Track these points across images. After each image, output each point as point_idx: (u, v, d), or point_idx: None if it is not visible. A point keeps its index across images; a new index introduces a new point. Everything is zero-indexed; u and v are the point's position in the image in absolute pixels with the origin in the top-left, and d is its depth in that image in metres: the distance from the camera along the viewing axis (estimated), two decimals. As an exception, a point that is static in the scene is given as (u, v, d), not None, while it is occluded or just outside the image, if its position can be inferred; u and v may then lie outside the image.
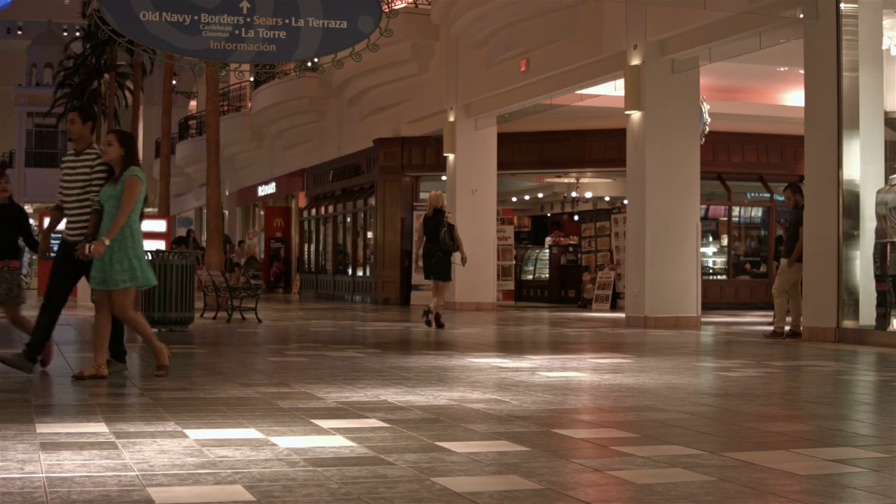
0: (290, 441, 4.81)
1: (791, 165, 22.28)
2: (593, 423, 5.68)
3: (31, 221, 45.09)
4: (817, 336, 11.85)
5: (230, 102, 35.52)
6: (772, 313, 13.30)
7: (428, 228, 14.51)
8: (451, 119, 21.55)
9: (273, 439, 4.85)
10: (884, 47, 12.16)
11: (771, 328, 12.81)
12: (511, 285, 23.68)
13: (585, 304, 22.14)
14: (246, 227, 38.69)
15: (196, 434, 4.96)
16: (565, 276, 24.44)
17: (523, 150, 23.16)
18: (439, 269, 14.40)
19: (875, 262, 11.61)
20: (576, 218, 27.47)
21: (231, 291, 15.94)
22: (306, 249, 31.33)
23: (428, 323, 14.11)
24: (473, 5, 18.83)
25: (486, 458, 4.44)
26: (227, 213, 37.76)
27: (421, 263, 14.72)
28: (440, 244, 14.33)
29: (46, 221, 8.22)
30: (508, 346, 11.69)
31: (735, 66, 17.10)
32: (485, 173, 21.64)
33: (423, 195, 24.75)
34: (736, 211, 22.52)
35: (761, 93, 20.60)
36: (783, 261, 12.73)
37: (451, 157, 21.73)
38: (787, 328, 12.53)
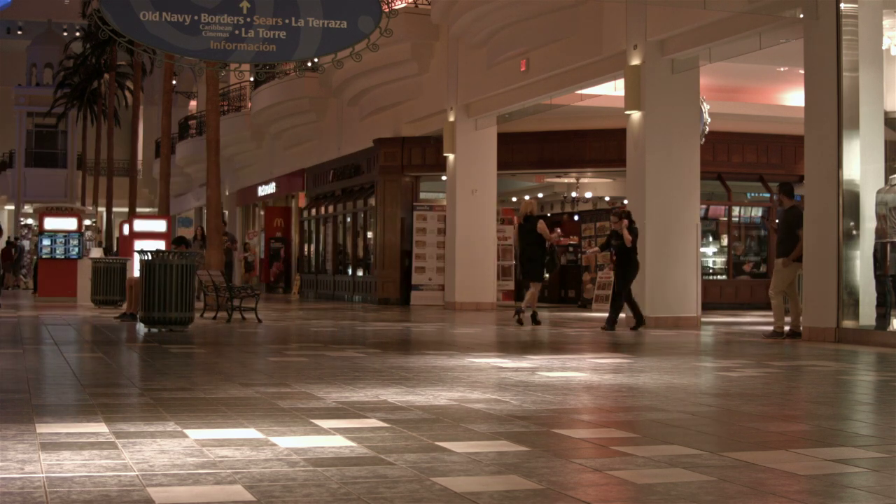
0: (290, 441, 4.81)
1: (791, 165, 22.27)
2: (593, 423, 5.68)
3: (30, 222, 44.96)
4: (817, 336, 11.85)
5: (230, 102, 35.52)
6: (772, 313, 13.29)
7: (521, 234, 15.72)
8: (451, 119, 21.54)
9: (273, 439, 4.85)
10: (884, 47, 12.15)
11: (771, 328, 12.81)
12: (511, 285, 23.67)
13: (585, 304, 22.13)
14: (246, 227, 38.70)
15: (196, 434, 4.96)
16: (565, 276, 24.44)
17: (523, 150, 23.16)
18: (531, 271, 15.66)
19: (875, 262, 11.61)
20: (576, 218, 27.46)
21: (231, 291, 15.94)
22: (306, 249, 31.34)
23: (520, 322, 15.16)
24: (473, 5, 18.83)
25: (486, 458, 4.44)
26: (227, 212, 37.77)
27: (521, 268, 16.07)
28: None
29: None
30: (508, 346, 11.69)
31: (735, 66, 17.10)
32: (485, 173, 21.65)
33: (423, 195, 24.78)
34: (736, 211, 22.52)
35: (761, 93, 20.60)
36: (778, 261, 12.75)
37: (451, 157, 21.73)
38: (786, 328, 12.53)
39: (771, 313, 13.40)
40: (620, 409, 6.19)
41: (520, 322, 15.18)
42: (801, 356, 10.10)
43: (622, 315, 14.47)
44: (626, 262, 14.21)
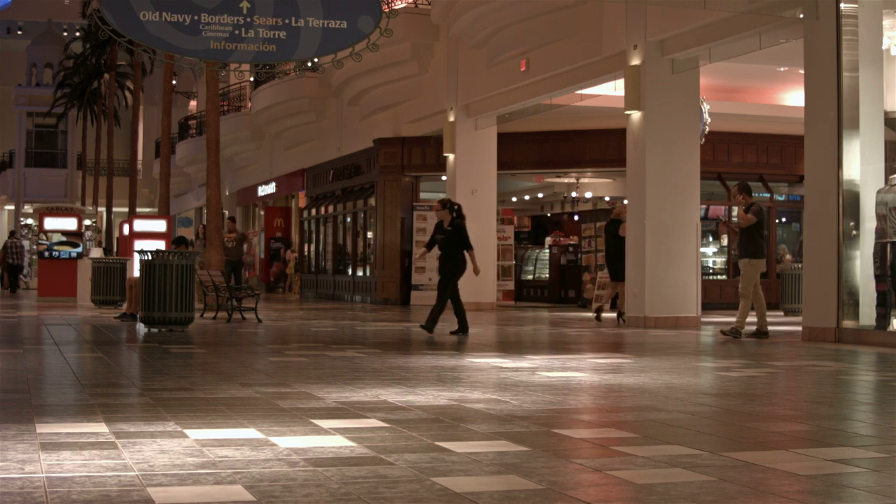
0: (290, 441, 4.81)
1: (791, 165, 22.27)
2: (593, 423, 5.68)
3: (30, 222, 44.90)
4: (817, 336, 11.84)
5: (230, 102, 35.51)
6: (777, 314, 13.28)
7: (606, 236, 16.57)
8: (451, 119, 21.54)
9: (273, 439, 4.85)
10: (884, 47, 12.15)
11: (754, 328, 12.80)
12: (511, 285, 23.67)
13: (585, 304, 22.12)
14: (246, 227, 38.71)
15: (196, 434, 4.96)
16: (565, 276, 24.43)
17: (523, 150, 23.15)
18: (616, 271, 16.22)
19: (875, 262, 11.61)
20: (576, 218, 27.47)
21: (231, 291, 15.94)
22: (306, 249, 31.34)
23: (598, 318, 15.97)
24: (473, 5, 18.82)
25: (486, 458, 4.44)
26: (226, 212, 37.79)
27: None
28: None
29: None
30: (508, 346, 11.69)
31: (735, 66, 17.09)
32: (485, 173, 21.64)
33: (423, 195, 24.77)
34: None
35: (761, 93, 20.60)
36: (741, 261, 12.72)
37: (451, 157, 21.73)
38: (748, 327, 12.60)
39: (774, 313, 13.40)
40: (620, 409, 6.19)
41: (619, 319, 15.76)
42: (801, 356, 10.10)
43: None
44: (452, 257, 12.81)
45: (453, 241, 12.80)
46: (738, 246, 12.91)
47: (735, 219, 13.34)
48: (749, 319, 12.84)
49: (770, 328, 13.06)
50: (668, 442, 4.94)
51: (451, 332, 12.88)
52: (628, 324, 15.25)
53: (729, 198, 22.26)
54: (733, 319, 13.00)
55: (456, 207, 12.97)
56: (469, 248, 12.80)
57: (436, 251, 13.38)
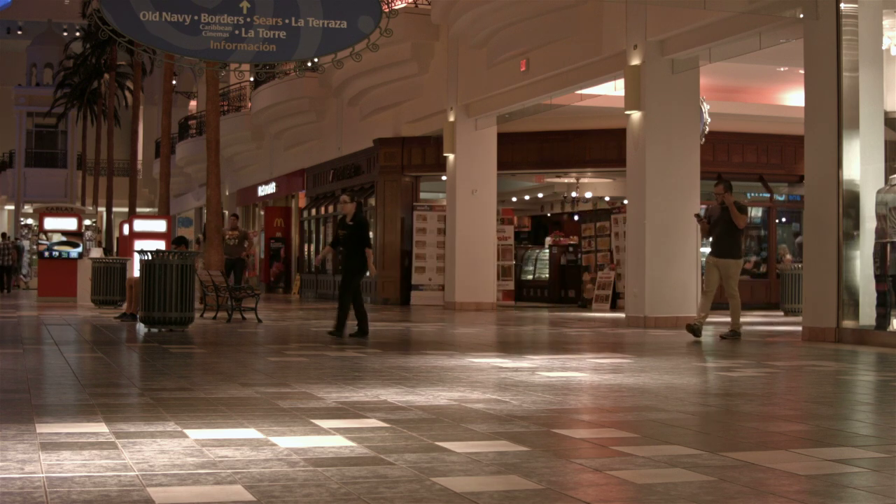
0: (290, 441, 4.81)
1: (791, 165, 22.27)
2: (593, 423, 5.68)
3: (30, 222, 44.84)
4: (817, 336, 11.85)
5: (230, 102, 35.52)
6: (777, 314, 13.24)
7: None
8: (451, 119, 21.54)
9: (273, 439, 4.85)
10: (884, 47, 12.15)
11: (729, 329, 12.70)
12: (511, 285, 23.67)
13: (585, 304, 22.13)
14: (246, 227, 38.70)
15: (196, 434, 4.96)
16: (565, 276, 24.44)
17: (523, 150, 23.15)
18: None
19: (875, 262, 11.61)
20: (576, 218, 27.47)
21: (231, 291, 15.93)
22: (306, 249, 31.34)
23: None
24: (473, 5, 18.83)
25: (486, 458, 4.44)
26: (227, 212, 37.76)
27: None
28: None
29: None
30: (508, 346, 11.69)
31: (735, 66, 17.10)
32: (485, 173, 21.65)
33: (423, 195, 24.76)
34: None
35: (761, 93, 20.60)
36: (723, 261, 12.48)
37: (451, 157, 21.74)
38: (744, 328, 12.58)
39: (773, 314, 13.36)
40: (620, 409, 6.19)
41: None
42: (801, 356, 10.10)
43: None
44: (355, 254, 12.31)
45: (356, 238, 12.25)
46: (717, 245, 12.64)
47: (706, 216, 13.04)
48: (747, 320, 12.82)
49: (771, 328, 13.04)
50: (668, 442, 4.94)
51: (351, 335, 12.21)
52: (628, 323, 15.25)
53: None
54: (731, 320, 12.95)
55: (362, 205, 12.49)
56: (369, 246, 12.26)
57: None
